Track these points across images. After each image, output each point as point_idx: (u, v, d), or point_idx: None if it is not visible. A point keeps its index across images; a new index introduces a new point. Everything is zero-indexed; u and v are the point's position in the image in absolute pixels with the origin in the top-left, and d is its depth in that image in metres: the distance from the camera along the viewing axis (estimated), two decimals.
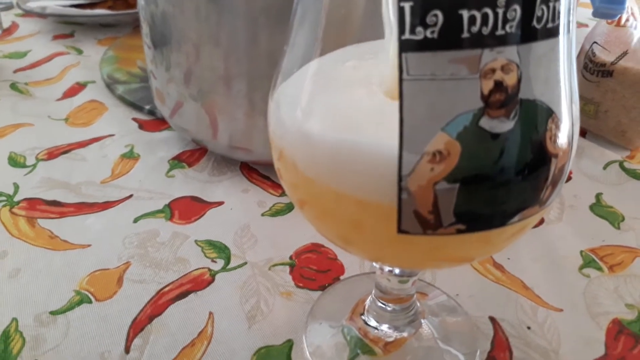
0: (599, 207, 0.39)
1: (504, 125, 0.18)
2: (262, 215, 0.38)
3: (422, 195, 0.18)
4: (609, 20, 0.41)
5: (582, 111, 0.44)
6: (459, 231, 0.19)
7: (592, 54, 0.42)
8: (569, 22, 0.18)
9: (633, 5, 0.40)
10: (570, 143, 0.20)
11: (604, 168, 0.42)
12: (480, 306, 0.31)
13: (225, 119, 0.39)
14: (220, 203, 0.39)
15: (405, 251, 0.21)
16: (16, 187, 0.41)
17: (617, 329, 0.30)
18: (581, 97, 0.43)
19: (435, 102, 0.17)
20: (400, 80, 0.17)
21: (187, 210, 0.38)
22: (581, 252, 0.35)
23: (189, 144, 0.46)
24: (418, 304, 0.29)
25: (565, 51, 0.18)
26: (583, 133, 0.45)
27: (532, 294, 0.32)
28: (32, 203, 0.39)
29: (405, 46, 0.16)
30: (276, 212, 0.38)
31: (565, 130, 0.19)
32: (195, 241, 0.35)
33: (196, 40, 0.37)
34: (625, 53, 0.40)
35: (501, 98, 0.17)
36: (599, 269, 0.34)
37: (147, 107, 0.50)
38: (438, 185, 0.18)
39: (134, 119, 0.50)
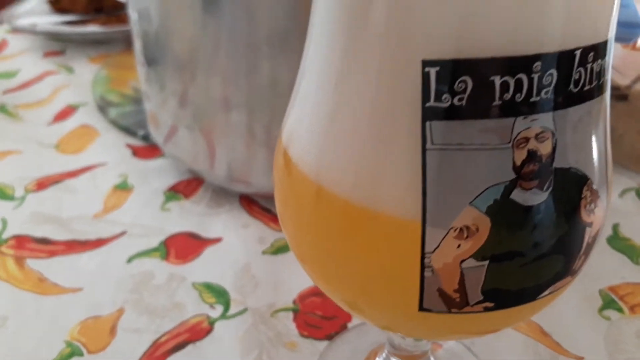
0: (616, 240, 0.37)
1: (537, 197, 0.16)
2: (263, 253, 0.36)
3: (447, 273, 0.16)
4: (624, 44, 0.39)
5: None
6: (487, 309, 0.17)
7: None
8: (606, 80, 0.16)
9: None
10: (605, 207, 0.18)
11: (620, 196, 0.41)
12: (497, 355, 0.29)
13: (223, 148, 0.37)
14: (218, 240, 0.37)
15: (423, 326, 0.19)
16: (4, 222, 0.39)
17: None
18: None
19: (462, 174, 0.15)
20: (424, 149, 0.15)
21: (183, 248, 0.36)
22: (600, 291, 0.33)
23: (185, 172, 0.44)
24: (432, 358, 0.27)
25: (602, 112, 0.17)
26: None
27: (551, 341, 0.30)
28: (21, 241, 0.37)
29: (429, 114, 0.15)
30: (278, 250, 0.36)
31: (600, 196, 0.17)
32: (193, 284, 0.33)
33: (192, 66, 0.35)
34: None
35: (535, 168, 0.15)
36: (620, 310, 0.32)
37: (141, 132, 0.48)
38: (465, 263, 0.16)
39: (128, 145, 0.48)
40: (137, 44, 0.40)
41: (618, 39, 0.37)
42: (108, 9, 0.70)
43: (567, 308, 0.32)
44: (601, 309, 0.32)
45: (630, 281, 0.34)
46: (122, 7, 0.70)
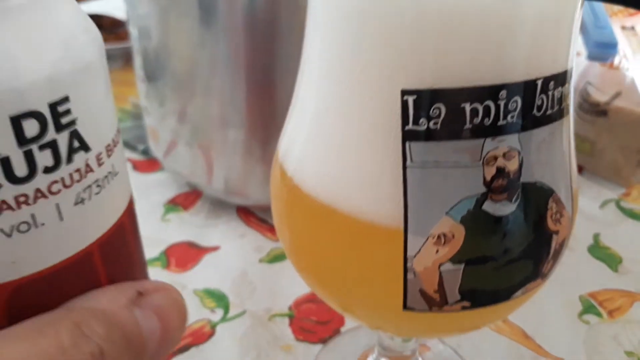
0: (596, 249, 0.39)
1: (506, 208, 0.18)
2: (260, 261, 0.38)
3: (427, 276, 0.18)
4: (602, 63, 0.41)
5: (578, 149, 0.44)
6: (464, 308, 0.19)
7: (586, 94, 0.42)
8: (567, 105, 0.18)
9: (626, 47, 0.41)
10: (570, 217, 0.20)
11: (601, 207, 0.43)
12: (483, 358, 0.31)
13: (221, 164, 0.39)
14: (216, 248, 0.39)
15: (409, 324, 0.21)
16: None
17: None
18: (577, 135, 0.44)
19: (438, 188, 0.17)
20: (404, 167, 0.17)
21: (183, 257, 0.38)
22: (580, 296, 0.35)
23: (185, 185, 0.46)
24: (420, 359, 0.29)
25: (564, 132, 0.19)
26: (580, 169, 0.46)
27: (533, 344, 0.32)
28: None
29: (408, 136, 0.17)
30: (274, 258, 0.38)
31: (565, 207, 0.19)
32: (194, 291, 0.35)
33: (190, 85, 0.37)
34: (618, 93, 0.41)
35: (503, 183, 0.17)
36: (599, 314, 0.34)
37: (141, 146, 0.50)
38: (443, 266, 0.18)
39: (128, 159, 0.50)
40: (137, 60, 0.41)
41: (596, 58, 0.40)
42: (107, 27, 0.72)
43: (549, 313, 0.34)
44: (581, 314, 0.34)
45: (609, 288, 0.36)
46: (121, 25, 0.72)
